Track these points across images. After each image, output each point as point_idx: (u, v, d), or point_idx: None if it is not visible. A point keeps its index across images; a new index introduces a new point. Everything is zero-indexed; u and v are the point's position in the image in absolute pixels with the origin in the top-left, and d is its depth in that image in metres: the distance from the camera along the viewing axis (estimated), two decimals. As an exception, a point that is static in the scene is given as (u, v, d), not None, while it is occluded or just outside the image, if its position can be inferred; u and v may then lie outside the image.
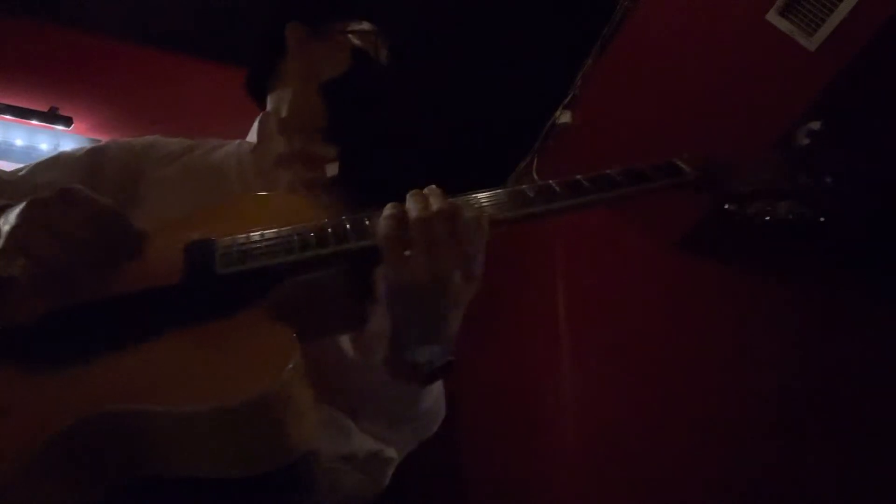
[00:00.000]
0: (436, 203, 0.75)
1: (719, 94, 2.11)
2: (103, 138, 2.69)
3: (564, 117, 2.80)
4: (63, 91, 2.68)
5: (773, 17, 1.90)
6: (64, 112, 2.65)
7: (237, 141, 1.14)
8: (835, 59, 1.82)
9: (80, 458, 0.64)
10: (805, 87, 1.91)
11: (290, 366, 0.64)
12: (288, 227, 0.77)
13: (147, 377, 0.66)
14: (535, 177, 2.85)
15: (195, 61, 2.65)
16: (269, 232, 0.77)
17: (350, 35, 1.14)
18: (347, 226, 0.76)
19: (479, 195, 0.81)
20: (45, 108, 2.63)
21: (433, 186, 0.78)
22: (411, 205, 0.75)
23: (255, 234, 0.76)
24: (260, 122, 1.14)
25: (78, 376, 0.66)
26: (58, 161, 1.03)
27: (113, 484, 0.66)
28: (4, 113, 2.56)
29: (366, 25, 1.16)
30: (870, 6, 1.71)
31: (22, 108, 2.59)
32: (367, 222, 0.76)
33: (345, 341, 0.91)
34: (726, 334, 2.46)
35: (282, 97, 1.14)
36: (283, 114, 1.12)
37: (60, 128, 2.65)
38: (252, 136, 1.14)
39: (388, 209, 0.76)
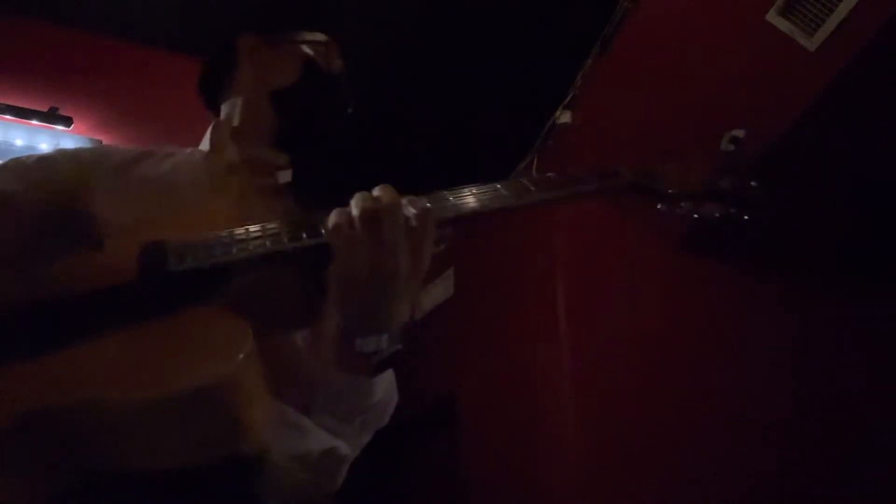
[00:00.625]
0: (383, 199, 0.77)
1: (719, 95, 2.11)
2: (103, 138, 2.70)
3: (564, 117, 2.80)
4: (63, 91, 2.68)
5: (773, 17, 1.90)
6: (64, 112, 2.65)
7: (189, 149, 1.15)
8: (835, 59, 1.82)
9: (33, 453, 0.65)
10: (805, 87, 1.91)
11: (243, 354, 0.67)
12: (241, 228, 0.79)
13: (102, 369, 0.67)
14: (535, 176, 2.85)
15: (195, 61, 2.65)
16: (223, 233, 0.79)
17: (302, 45, 1.15)
18: (300, 225, 0.79)
19: (443, 192, 0.85)
20: (45, 108, 2.63)
21: (386, 184, 0.80)
22: (359, 200, 0.77)
23: (210, 235, 0.79)
24: (212, 130, 1.15)
25: (32, 370, 0.67)
26: (7, 169, 1.02)
27: (65, 480, 0.66)
28: (4, 113, 2.56)
29: (319, 36, 1.17)
30: (870, 6, 1.71)
31: (22, 108, 2.59)
32: (319, 223, 0.78)
33: (298, 336, 0.93)
34: (726, 334, 2.47)
35: (234, 105, 1.15)
36: (236, 122, 1.13)
37: (60, 128, 2.65)
38: (205, 144, 1.15)
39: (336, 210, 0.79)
